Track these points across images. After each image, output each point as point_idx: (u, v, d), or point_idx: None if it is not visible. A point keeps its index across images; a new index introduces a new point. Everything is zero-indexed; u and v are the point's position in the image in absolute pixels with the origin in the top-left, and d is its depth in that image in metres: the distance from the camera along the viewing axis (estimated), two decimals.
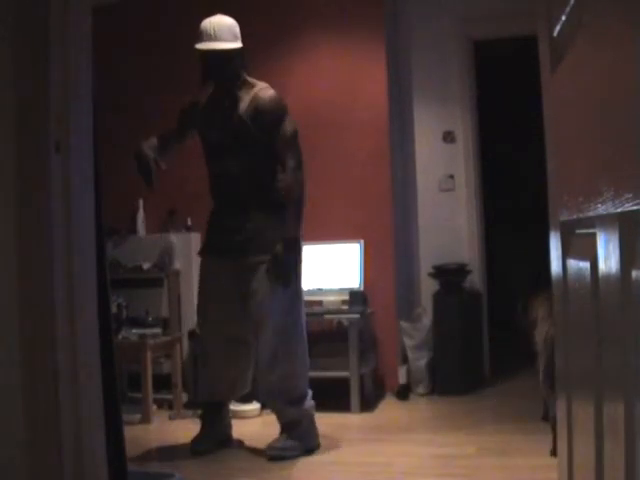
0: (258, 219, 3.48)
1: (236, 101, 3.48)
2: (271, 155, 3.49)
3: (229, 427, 3.72)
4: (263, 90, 3.49)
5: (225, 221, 3.57)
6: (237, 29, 3.49)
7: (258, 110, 3.44)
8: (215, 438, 3.60)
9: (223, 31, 3.42)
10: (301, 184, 3.43)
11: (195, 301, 3.79)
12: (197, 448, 3.53)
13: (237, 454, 3.53)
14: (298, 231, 3.44)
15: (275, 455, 3.38)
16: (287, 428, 3.49)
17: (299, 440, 3.47)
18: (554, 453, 3.09)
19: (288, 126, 3.46)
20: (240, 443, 3.70)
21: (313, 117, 4.95)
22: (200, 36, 3.43)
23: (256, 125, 3.44)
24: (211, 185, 3.65)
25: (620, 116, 0.78)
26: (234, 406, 4.19)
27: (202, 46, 3.40)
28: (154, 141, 3.55)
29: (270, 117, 3.44)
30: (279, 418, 3.54)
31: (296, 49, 5.05)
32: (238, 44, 3.46)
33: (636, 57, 0.71)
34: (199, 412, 3.82)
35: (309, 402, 3.55)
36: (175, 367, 4.51)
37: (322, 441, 3.64)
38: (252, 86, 3.51)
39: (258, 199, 3.50)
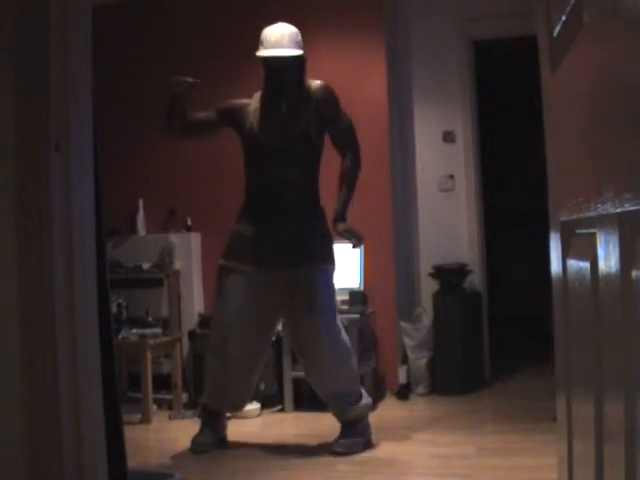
0: (312, 230, 3.49)
1: (298, 107, 3.47)
2: (319, 165, 3.57)
3: (224, 428, 3.72)
4: (314, 84, 3.52)
5: (274, 230, 3.46)
6: (299, 37, 3.49)
7: (318, 107, 3.47)
8: (215, 438, 3.61)
9: (285, 39, 3.42)
10: (360, 171, 3.59)
11: (200, 302, 3.80)
12: (199, 447, 3.55)
13: (237, 454, 3.53)
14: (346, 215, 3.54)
15: (343, 452, 3.42)
16: (350, 426, 3.51)
17: (360, 436, 3.51)
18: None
19: (345, 116, 3.55)
20: (237, 444, 3.70)
21: None
22: (262, 43, 3.44)
23: (318, 125, 3.47)
24: (256, 191, 3.52)
25: (620, 116, 0.78)
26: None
27: (262, 53, 3.43)
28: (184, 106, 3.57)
29: (329, 108, 3.49)
30: (341, 417, 3.53)
31: None
32: (300, 51, 3.45)
33: (636, 57, 0.71)
34: (199, 411, 3.82)
35: (367, 399, 3.58)
36: (175, 367, 4.51)
37: (322, 441, 3.64)
38: (309, 88, 3.51)
39: (309, 208, 3.52)
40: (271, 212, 3.47)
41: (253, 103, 3.59)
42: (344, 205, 3.53)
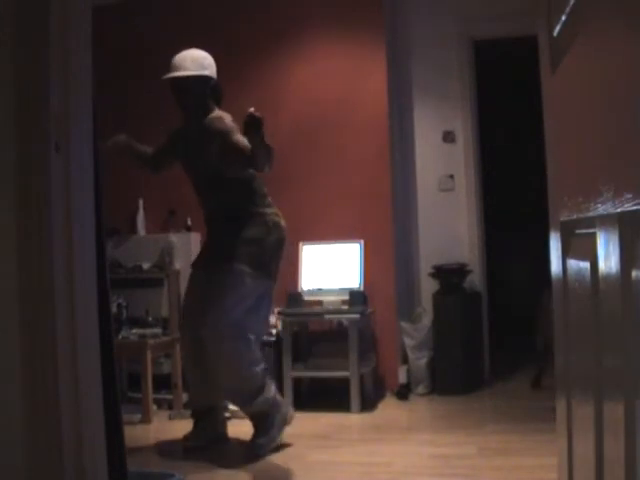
0: (233, 234, 3.54)
1: (202, 132, 3.51)
2: (239, 184, 3.53)
3: (223, 426, 3.78)
4: (214, 115, 3.50)
5: (209, 236, 3.72)
6: (206, 61, 3.53)
7: (209, 134, 3.44)
8: (206, 436, 3.67)
9: (187, 61, 3.49)
10: (263, 163, 3.17)
11: None
12: (187, 444, 3.62)
13: (236, 454, 3.53)
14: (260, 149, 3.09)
15: (260, 453, 3.46)
16: (258, 423, 3.57)
17: (271, 428, 3.54)
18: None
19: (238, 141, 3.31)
20: (236, 442, 3.71)
21: (313, 117, 4.95)
22: (168, 69, 3.52)
23: (214, 152, 3.43)
24: (200, 203, 3.74)
25: (620, 116, 0.78)
26: (234, 406, 4.19)
27: (166, 76, 3.50)
28: (140, 148, 3.81)
29: (216, 136, 3.40)
30: (245, 413, 3.63)
31: (296, 49, 5.05)
32: (201, 72, 3.48)
33: (636, 57, 0.71)
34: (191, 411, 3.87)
35: (265, 395, 3.54)
36: (175, 367, 4.51)
37: (322, 441, 3.65)
38: (212, 116, 3.51)
39: (237, 217, 3.56)
40: (206, 221, 3.70)
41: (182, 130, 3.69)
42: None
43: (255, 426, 3.58)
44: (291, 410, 3.68)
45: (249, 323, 3.53)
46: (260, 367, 3.53)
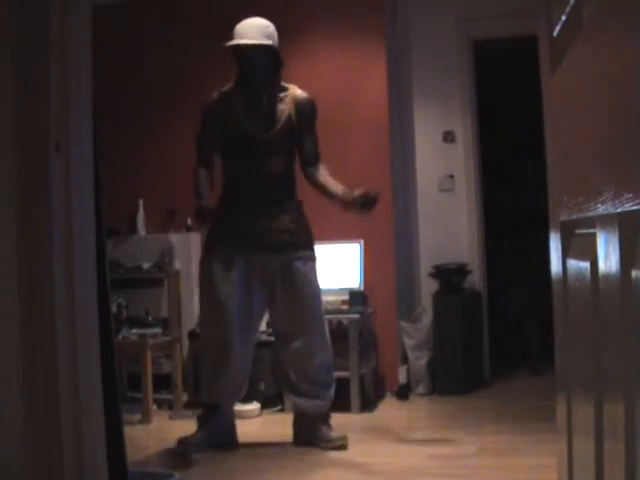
0: (294, 218, 3.59)
1: (276, 100, 3.58)
2: (296, 160, 3.67)
3: (233, 427, 3.70)
4: (298, 90, 3.64)
5: (259, 218, 3.51)
6: (270, 29, 3.56)
7: (299, 109, 3.59)
8: (209, 441, 3.56)
9: (252, 29, 3.50)
10: None
11: (196, 300, 3.81)
12: (184, 449, 3.48)
13: (237, 454, 3.53)
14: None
15: (337, 446, 3.48)
16: (325, 418, 3.60)
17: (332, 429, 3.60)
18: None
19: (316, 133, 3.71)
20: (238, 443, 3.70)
21: None
22: (232, 36, 3.53)
23: (298, 124, 3.59)
24: (239, 181, 3.56)
25: (620, 116, 0.78)
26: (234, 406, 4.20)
27: (229, 43, 3.50)
28: (203, 174, 3.55)
29: (310, 116, 3.64)
30: (317, 409, 3.59)
31: (296, 49, 5.04)
32: (267, 41, 3.50)
33: (636, 57, 0.71)
34: (198, 413, 3.82)
35: (332, 392, 3.67)
36: (175, 367, 4.51)
37: None
38: (286, 87, 3.64)
39: (290, 199, 3.63)
40: (255, 201, 3.54)
41: (228, 96, 3.61)
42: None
43: (322, 423, 3.58)
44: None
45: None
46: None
